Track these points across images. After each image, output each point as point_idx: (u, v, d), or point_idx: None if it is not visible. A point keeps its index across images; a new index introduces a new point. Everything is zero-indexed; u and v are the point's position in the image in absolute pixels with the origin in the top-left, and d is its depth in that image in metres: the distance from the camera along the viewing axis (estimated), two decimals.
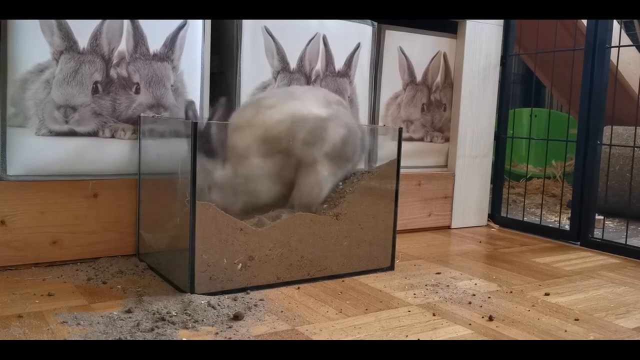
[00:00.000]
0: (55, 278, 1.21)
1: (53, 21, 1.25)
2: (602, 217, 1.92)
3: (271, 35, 1.53)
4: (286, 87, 1.44)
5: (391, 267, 1.39)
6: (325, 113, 1.29)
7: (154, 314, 1.01)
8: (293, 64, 1.57)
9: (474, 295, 1.22)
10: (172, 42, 1.39)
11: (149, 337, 0.92)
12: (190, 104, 1.29)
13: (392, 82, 1.82)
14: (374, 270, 1.36)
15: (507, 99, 2.02)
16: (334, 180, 1.31)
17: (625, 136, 2.19)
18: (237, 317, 1.02)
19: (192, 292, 1.11)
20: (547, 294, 1.24)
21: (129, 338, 0.91)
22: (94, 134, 1.32)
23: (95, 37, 1.29)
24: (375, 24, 1.73)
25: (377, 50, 1.77)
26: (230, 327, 0.98)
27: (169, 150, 1.25)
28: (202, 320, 1.00)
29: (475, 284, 1.30)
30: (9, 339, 0.90)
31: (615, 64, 1.79)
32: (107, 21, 1.30)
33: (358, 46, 1.69)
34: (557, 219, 2.09)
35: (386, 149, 1.41)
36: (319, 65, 1.62)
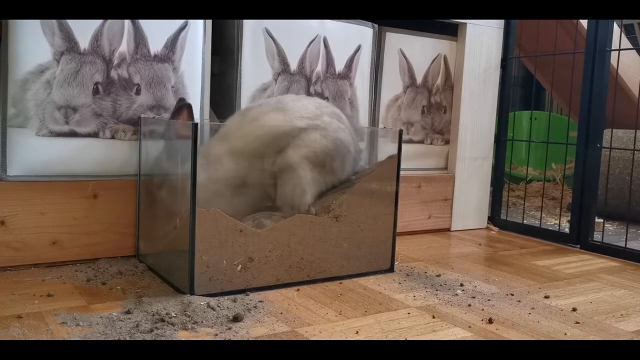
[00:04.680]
0: (54, 279, 1.21)
1: (54, 21, 1.25)
2: (601, 220, 1.92)
3: (272, 37, 1.53)
4: (279, 97, 1.44)
5: (391, 269, 1.39)
6: (305, 124, 1.28)
7: (153, 315, 1.01)
8: (294, 65, 1.57)
9: (474, 297, 1.22)
10: (172, 43, 1.39)
11: (148, 338, 0.92)
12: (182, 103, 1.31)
13: (392, 84, 1.82)
14: (374, 272, 1.36)
15: (507, 101, 2.02)
16: (318, 186, 1.30)
17: (625, 139, 2.19)
18: (236, 319, 1.02)
19: (192, 293, 1.11)
20: (546, 297, 1.24)
21: (128, 339, 0.91)
22: (94, 134, 1.32)
23: (96, 37, 1.29)
24: (376, 26, 1.73)
25: (377, 52, 1.77)
26: (229, 329, 0.98)
27: (169, 151, 1.25)
28: (202, 322, 1.00)
29: (475, 287, 1.30)
30: (8, 339, 0.90)
31: (616, 67, 1.79)
32: (108, 22, 1.30)
33: (359, 48, 1.69)
34: (557, 221, 2.09)
35: (386, 151, 1.40)
36: (320, 67, 1.62)
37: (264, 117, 1.29)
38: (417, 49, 1.85)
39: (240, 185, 1.27)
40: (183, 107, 1.32)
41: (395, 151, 1.38)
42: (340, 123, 1.34)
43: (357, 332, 1.00)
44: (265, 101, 1.38)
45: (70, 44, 1.27)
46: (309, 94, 1.60)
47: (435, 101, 1.91)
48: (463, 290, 1.27)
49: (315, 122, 1.29)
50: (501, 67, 1.99)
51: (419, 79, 1.87)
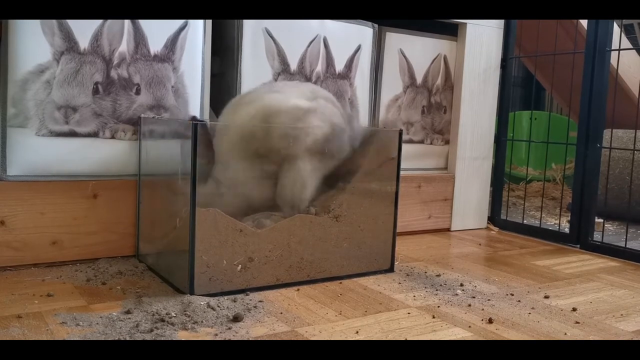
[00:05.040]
0: (54, 278, 1.21)
1: (54, 21, 1.25)
2: (601, 220, 1.92)
3: (272, 37, 1.53)
4: (272, 83, 1.42)
5: (391, 269, 1.39)
6: (305, 105, 1.24)
7: (153, 315, 1.01)
8: (293, 65, 1.57)
9: (474, 297, 1.22)
10: (172, 43, 1.39)
11: (148, 338, 0.92)
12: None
13: (392, 84, 1.82)
14: (374, 272, 1.36)
15: (507, 101, 2.02)
16: (317, 176, 1.28)
17: (625, 139, 2.19)
18: (236, 319, 1.02)
19: (192, 293, 1.11)
20: (546, 297, 1.24)
21: (128, 339, 0.91)
22: (94, 134, 1.32)
23: (96, 37, 1.29)
24: (376, 26, 1.73)
25: (377, 52, 1.77)
26: (229, 329, 0.98)
27: (169, 151, 1.25)
28: (202, 322, 1.00)
29: (475, 287, 1.30)
30: (8, 339, 0.90)
31: (616, 67, 1.79)
32: (108, 22, 1.30)
33: (358, 48, 1.69)
34: (557, 221, 2.09)
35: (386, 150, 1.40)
36: (320, 67, 1.62)
37: (261, 97, 1.26)
38: (417, 49, 1.85)
39: (240, 183, 1.26)
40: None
41: (395, 151, 1.38)
42: (334, 107, 1.33)
43: (357, 332, 1.00)
44: (258, 87, 1.37)
45: (70, 43, 1.27)
46: None
47: (435, 101, 1.91)
48: (463, 290, 1.27)
49: (312, 103, 1.26)
50: (501, 67, 1.99)
51: (419, 79, 1.87)
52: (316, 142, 1.24)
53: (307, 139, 1.23)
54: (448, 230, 1.94)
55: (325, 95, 1.34)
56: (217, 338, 0.94)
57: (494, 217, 2.03)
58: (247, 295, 1.16)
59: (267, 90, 1.31)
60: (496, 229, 2.00)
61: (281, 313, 1.07)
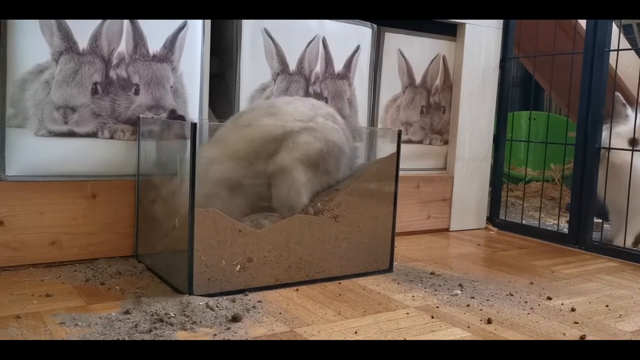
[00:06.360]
0: (53, 279, 1.21)
1: (53, 21, 1.25)
2: (600, 221, 1.92)
3: (271, 37, 1.53)
4: (272, 100, 1.43)
5: (390, 269, 1.39)
6: (298, 127, 1.27)
7: (152, 315, 1.01)
8: (292, 65, 1.57)
9: (473, 297, 1.22)
10: (171, 43, 1.39)
11: (147, 338, 0.92)
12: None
13: (391, 85, 1.82)
14: (373, 273, 1.36)
15: (506, 102, 2.02)
16: (313, 187, 1.29)
17: None
18: (235, 319, 1.02)
19: (191, 293, 1.11)
20: (545, 297, 1.24)
21: (127, 339, 0.91)
22: (93, 134, 1.32)
23: (95, 37, 1.29)
24: (375, 26, 1.73)
25: (376, 52, 1.77)
26: (228, 329, 0.98)
27: (168, 151, 1.25)
28: (201, 322, 1.00)
29: (474, 287, 1.30)
30: (7, 339, 0.90)
31: (614, 67, 1.79)
32: (107, 22, 1.30)
33: (357, 48, 1.69)
34: (556, 222, 2.09)
35: (385, 151, 1.41)
36: (319, 67, 1.62)
37: (256, 122, 1.29)
38: (416, 49, 1.85)
39: (232, 188, 1.26)
40: (175, 119, 1.34)
41: (394, 151, 1.38)
42: (335, 124, 1.33)
43: (355, 332, 1.00)
44: (258, 105, 1.37)
45: (69, 43, 1.27)
46: (307, 94, 1.60)
47: (434, 101, 1.91)
48: (462, 290, 1.27)
49: (309, 124, 1.28)
50: (500, 68, 1.99)
51: (418, 79, 1.87)
52: (308, 155, 1.26)
53: (295, 152, 1.25)
54: (447, 230, 1.94)
55: (325, 112, 1.34)
56: (216, 338, 0.94)
57: (492, 218, 2.03)
58: (246, 295, 1.16)
59: (264, 112, 1.30)
60: (495, 229, 2.00)
61: (280, 313, 1.07)
